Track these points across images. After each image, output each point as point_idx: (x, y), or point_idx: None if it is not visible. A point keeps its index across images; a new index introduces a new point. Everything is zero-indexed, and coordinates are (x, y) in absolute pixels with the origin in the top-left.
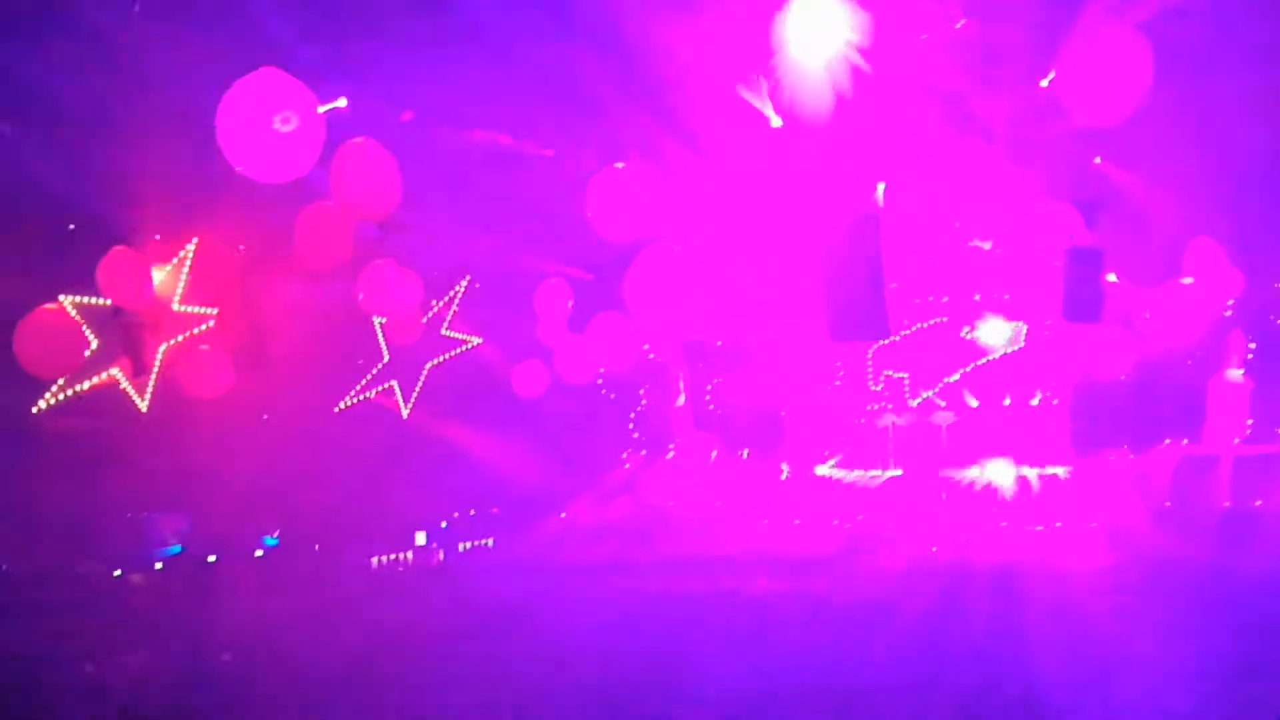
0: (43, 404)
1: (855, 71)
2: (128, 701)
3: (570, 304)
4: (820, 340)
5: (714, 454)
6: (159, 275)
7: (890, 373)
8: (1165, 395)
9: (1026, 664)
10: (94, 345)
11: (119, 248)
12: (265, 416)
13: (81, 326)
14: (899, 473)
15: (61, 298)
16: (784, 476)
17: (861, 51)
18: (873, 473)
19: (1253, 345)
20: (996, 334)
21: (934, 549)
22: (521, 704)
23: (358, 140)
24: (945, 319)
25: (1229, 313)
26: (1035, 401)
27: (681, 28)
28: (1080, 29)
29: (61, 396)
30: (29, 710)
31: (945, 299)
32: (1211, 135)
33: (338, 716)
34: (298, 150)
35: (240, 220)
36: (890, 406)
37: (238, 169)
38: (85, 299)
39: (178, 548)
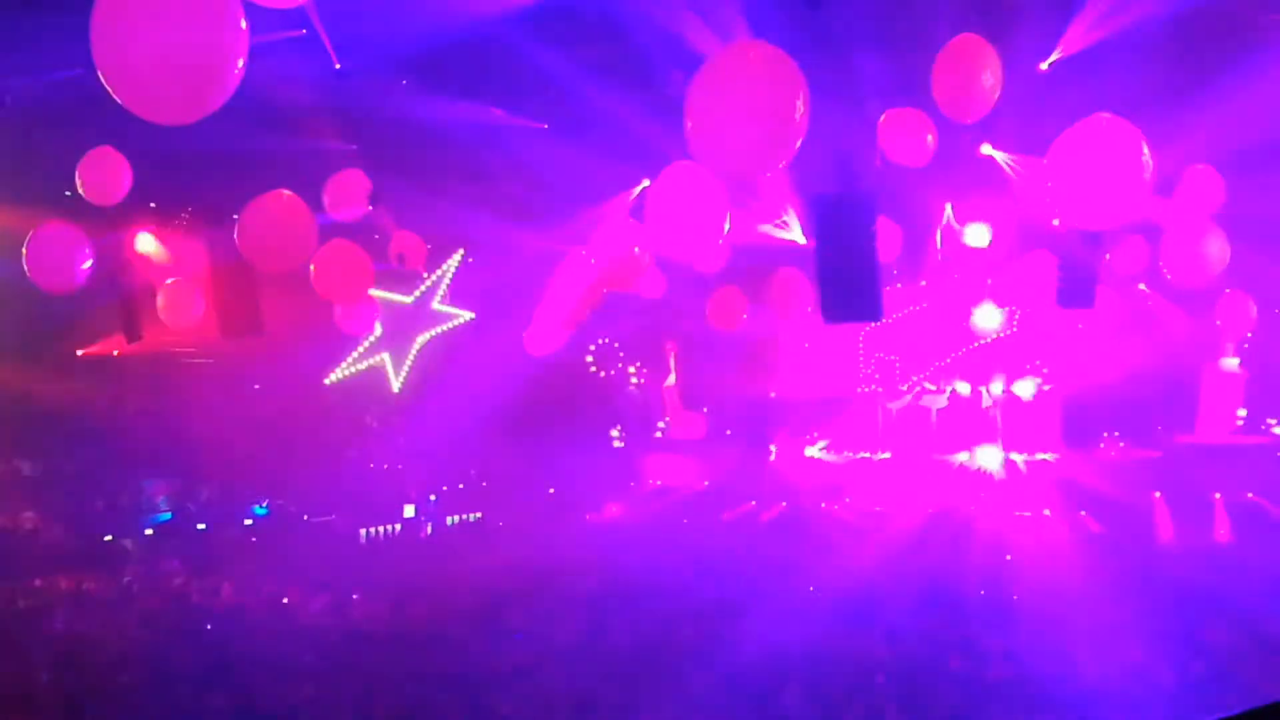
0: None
1: None
2: None
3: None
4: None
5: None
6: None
7: (881, 355)
8: (1159, 384)
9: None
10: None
11: (101, 147)
12: (257, 387)
13: (88, 239)
14: (888, 456)
15: None
16: (772, 458)
17: None
18: (862, 455)
19: (1249, 334)
20: (989, 319)
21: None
22: None
23: None
24: (933, 304)
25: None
26: (1028, 387)
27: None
28: None
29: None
30: None
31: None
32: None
33: None
34: None
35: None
36: (881, 389)
37: None
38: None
39: (168, 514)
